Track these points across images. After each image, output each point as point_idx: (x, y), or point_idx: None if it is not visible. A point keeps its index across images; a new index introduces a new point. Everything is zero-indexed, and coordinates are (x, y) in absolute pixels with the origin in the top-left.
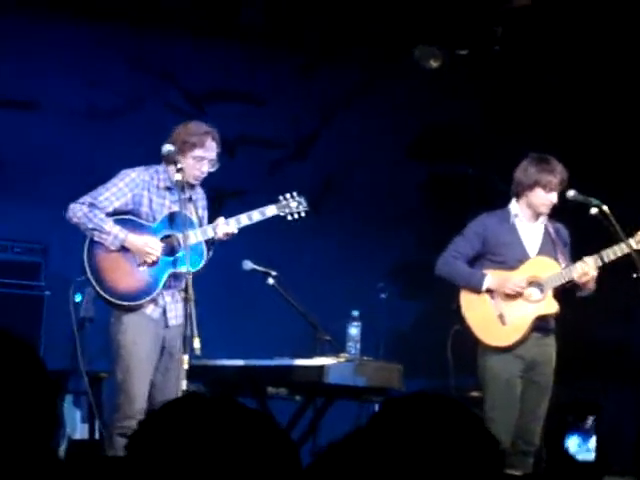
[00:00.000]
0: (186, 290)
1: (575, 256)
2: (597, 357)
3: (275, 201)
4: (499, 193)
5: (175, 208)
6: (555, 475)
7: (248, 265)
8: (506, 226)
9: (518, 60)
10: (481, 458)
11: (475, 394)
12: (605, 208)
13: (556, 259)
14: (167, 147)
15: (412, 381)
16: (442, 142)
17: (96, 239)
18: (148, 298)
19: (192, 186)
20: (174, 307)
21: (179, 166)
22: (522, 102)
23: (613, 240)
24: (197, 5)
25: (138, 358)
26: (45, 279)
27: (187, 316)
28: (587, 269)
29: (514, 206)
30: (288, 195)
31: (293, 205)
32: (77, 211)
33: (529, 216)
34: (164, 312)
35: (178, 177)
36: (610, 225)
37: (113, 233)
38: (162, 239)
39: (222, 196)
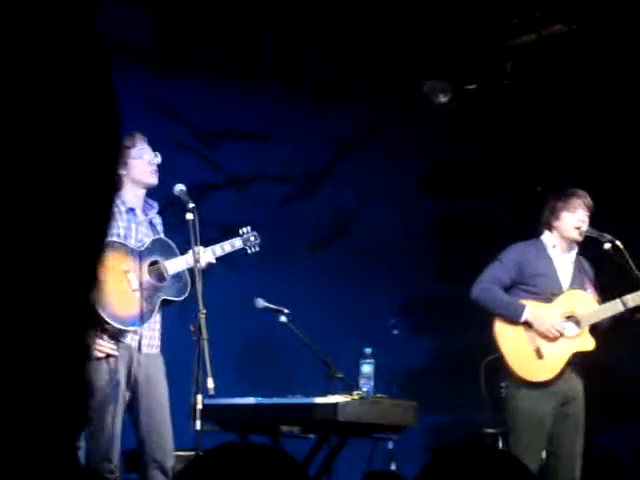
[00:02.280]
0: (199, 328)
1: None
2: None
3: (238, 235)
4: (507, 227)
5: (142, 230)
6: None
7: (260, 303)
8: (542, 256)
9: (527, 94)
10: None
11: (491, 430)
12: (618, 243)
13: (588, 293)
14: (178, 187)
15: (424, 417)
16: (453, 177)
17: None
18: (145, 324)
19: (190, 208)
20: (149, 334)
21: (190, 205)
22: (532, 136)
23: (628, 276)
24: (210, 45)
25: (113, 395)
26: None
27: (200, 356)
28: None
29: (548, 237)
30: (245, 229)
31: (252, 239)
32: None
33: (563, 247)
34: (140, 338)
35: (189, 217)
36: (624, 261)
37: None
38: (150, 265)
39: (233, 231)
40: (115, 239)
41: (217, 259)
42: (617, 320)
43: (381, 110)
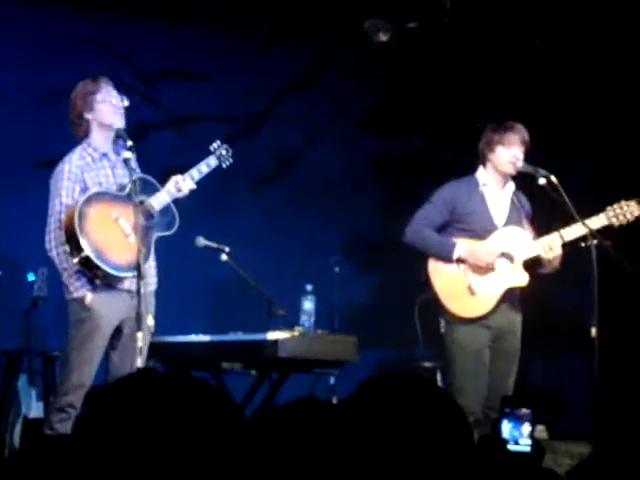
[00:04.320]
0: (138, 267)
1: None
2: (554, 323)
3: (210, 152)
4: (447, 164)
5: (117, 171)
6: (488, 460)
7: (201, 242)
8: (475, 195)
9: (467, 32)
10: (451, 432)
11: (429, 364)
12: (553, 178)
13: (523, 229)
14: (116, 125)
15: (367, 353)
16: (393, 116)
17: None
18: (146, 265)
19: (129, 147)
20: (147, 274)
21: (128, 144)
22: (472, 74)
23: (564, 211)
24: None
25: (94, 339)
26: None
27: (139, 293)
28: (553, 245)
29: (482, 174)
30: (216, 145)
31: (224, 152)
32: (51, 249)
33: (497, 183)
34: (139, 280)
35: (127, 155)
36: (558, 196)
37: (76, 287)
38: (139, 204)
39: (174, 173)
40: (98, 189)
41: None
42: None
43: (322, 50)
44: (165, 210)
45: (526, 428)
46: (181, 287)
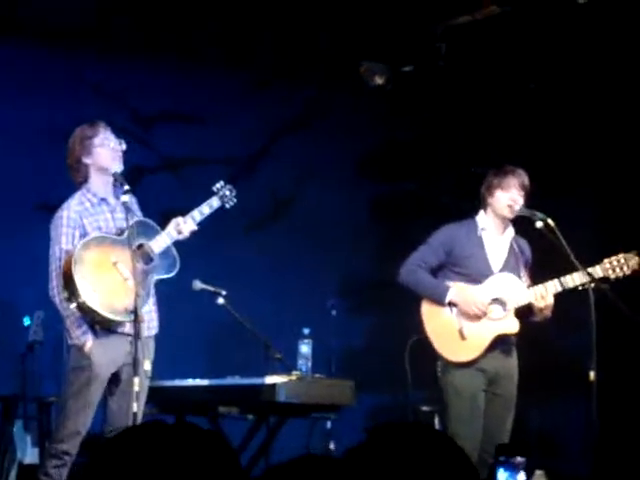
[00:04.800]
0: (135, 311)
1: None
2: (550, 367)
3: (213, 193)
4: (444, 207)
5: (117, 215)
6: None
7: (198, 285)
8: (473, 238)
9: (463, 75)
10: None
11: (426, 408)
12: (550, 221)
13: (519, 276)
14: (113, 169)
15: (364, 397)
16: (390, 159)
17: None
18: (146, 309)
19: (125, 191)
20: (147, 317)
21: (125, 188)
22: (469, 118)
23: (561, 254)
24: (147, 28)
25: (91, 385)
26: None
27: (136, 338)
28: (545, 294)
29: (481, 218)
30: (219, 185)
31: (227, 193)
32: (54, 296)
33: (496, 228)
34: (138, 325)
35: (125, 199)
36: (555, 239)
37: (77, 335)
38: (137, 248)
39: (173, 215)
40: (97, 233)
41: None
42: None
43: (319, 92)
44: (165, 253)
45: (521, 477)
46: (178, 330)
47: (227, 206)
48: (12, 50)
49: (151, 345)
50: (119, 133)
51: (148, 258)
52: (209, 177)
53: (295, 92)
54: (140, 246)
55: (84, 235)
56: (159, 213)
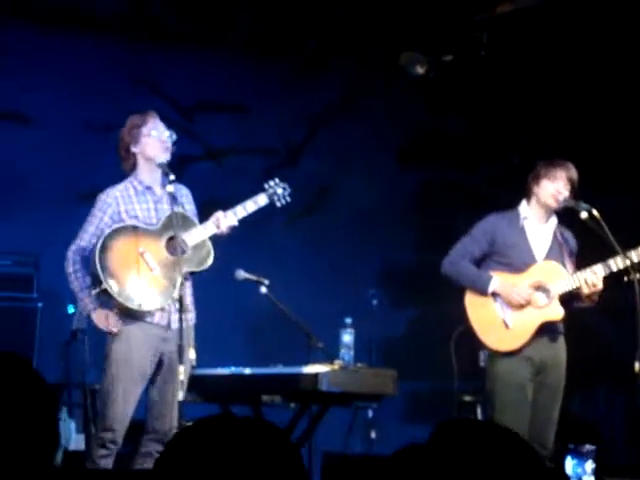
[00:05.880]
0: (180, 299)
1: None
2: (593, 358)
3: (263, 190)
4: (485, 198)
5: (161, 207)
6: None
7: (241, 275)
8: (515, 228)
9: (503, 65)
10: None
11: (469, 398)
12: (595, 212)
13: (563, 264)
14: (157, 159)
15: (404, 386)
16: (431, 148)
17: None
18: (168, 301)
19: (171, 181)
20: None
21: (171, 178)
22: (508, 107)
23: (606, 244)
24: (186, 18)
25: (129, 372)
26: (37, 291)
27: (181, 326)
28: (595, 280)
29: (524, 208)
30: (272, 182)
31: (280, 191)
32: (67, 268)
33: (539, 217)
34: (169, 315)
35: (170, 189)
36: (600, 230)
37: (85, 302)
38: (167, 241)
39: (214, 206)
40: (129, 223)
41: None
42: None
43: (360, 82)
44: (199, 246)
45: (589, 465)
46: (220, 320)
47: (278, 204)
48: (55, 41)
49: (191, 334)
50: (161, 122)
51: (180, 250)
52: (251, 166)
53: (336, 81)
54: (172, 237)
55: (118, 221)
56: (201, 203)
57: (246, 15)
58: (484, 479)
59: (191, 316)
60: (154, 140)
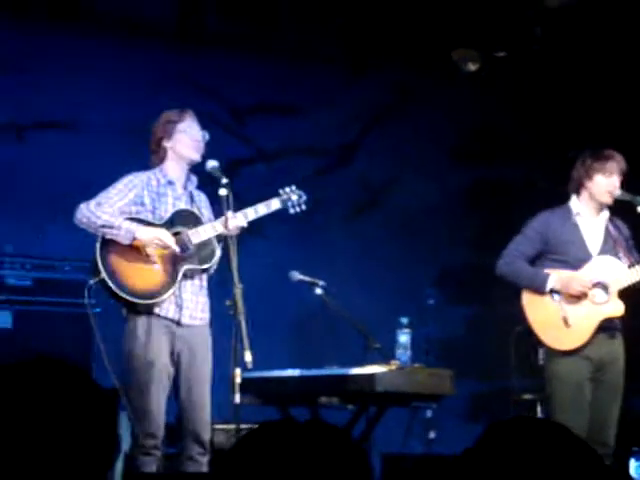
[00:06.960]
0: (235, 303)
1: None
2: None
3: (277, 194)
4: (541, 193)
5: (179, 204)
6: None
7: (295, 276)
8: (568, 224)
9: (558, 60)
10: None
11: (529, 397)
12: None
13: (617, 257)
14: (211, 163)
15: (462, 386)
16: (485, 145)
17: (108, 236)
18: (165, 295)
19: (224, 184)
20: (192, 306)
21: (224, 181)
22: (564, 102)
23: None
24: (234, 21)
25: (156, 373)
26: (95, 296)
27: (237, 330)
28: None
29: (575, 203)
30: (288, 189)
31: (294, 198)
32: (85, 212)
33: (591, 211)
34: (180, 309)
35: (223, 193)
36: None
37: (124, 227)
38: (173, 235)
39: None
40: (135, 215)
41: (252, 231)
42: None
43: (413, 80)
44: (204, 244)
45: None
46: (276, 322)
47: (292, 211)
48: (105, 47)
49: (205, 333)
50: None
51: (184, 246)
52: (303, 168)
53: (389, 81)
54: (176, 233)
55: (139, 204)
56: (253, 204)
57: (301, 18)
58: (538, 478)
59: (199, 315)
60: (188, 138)
